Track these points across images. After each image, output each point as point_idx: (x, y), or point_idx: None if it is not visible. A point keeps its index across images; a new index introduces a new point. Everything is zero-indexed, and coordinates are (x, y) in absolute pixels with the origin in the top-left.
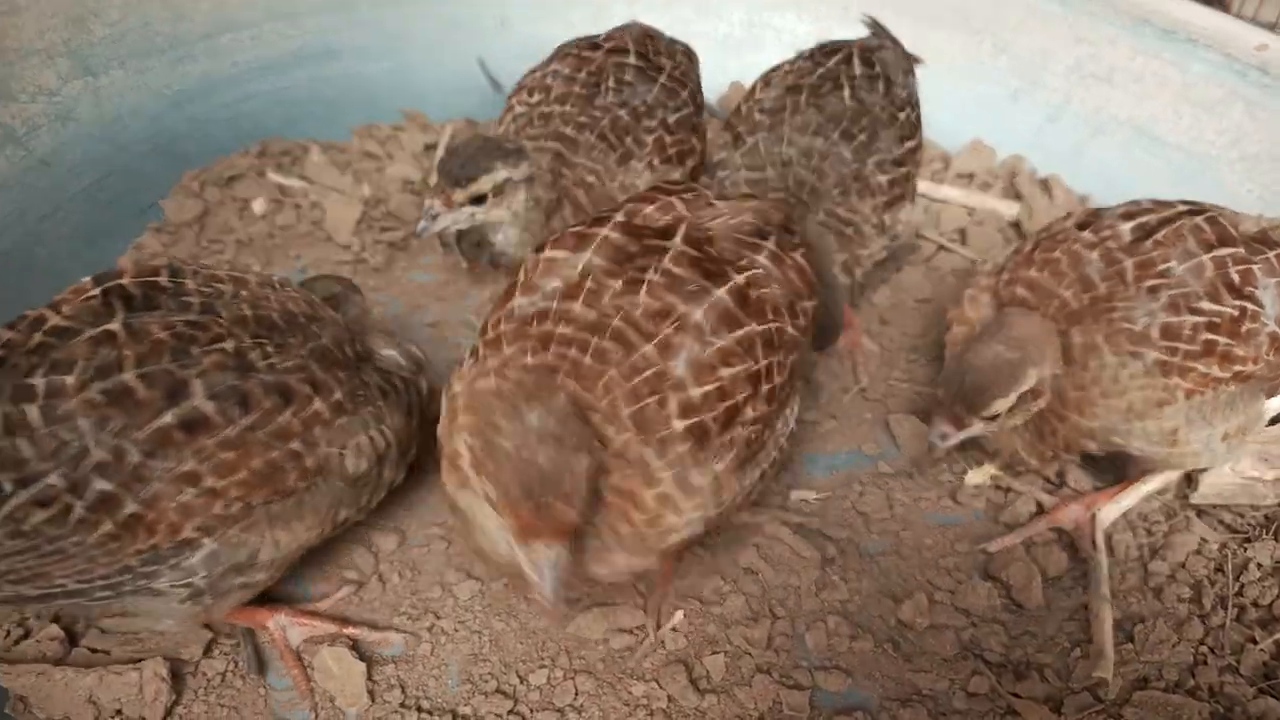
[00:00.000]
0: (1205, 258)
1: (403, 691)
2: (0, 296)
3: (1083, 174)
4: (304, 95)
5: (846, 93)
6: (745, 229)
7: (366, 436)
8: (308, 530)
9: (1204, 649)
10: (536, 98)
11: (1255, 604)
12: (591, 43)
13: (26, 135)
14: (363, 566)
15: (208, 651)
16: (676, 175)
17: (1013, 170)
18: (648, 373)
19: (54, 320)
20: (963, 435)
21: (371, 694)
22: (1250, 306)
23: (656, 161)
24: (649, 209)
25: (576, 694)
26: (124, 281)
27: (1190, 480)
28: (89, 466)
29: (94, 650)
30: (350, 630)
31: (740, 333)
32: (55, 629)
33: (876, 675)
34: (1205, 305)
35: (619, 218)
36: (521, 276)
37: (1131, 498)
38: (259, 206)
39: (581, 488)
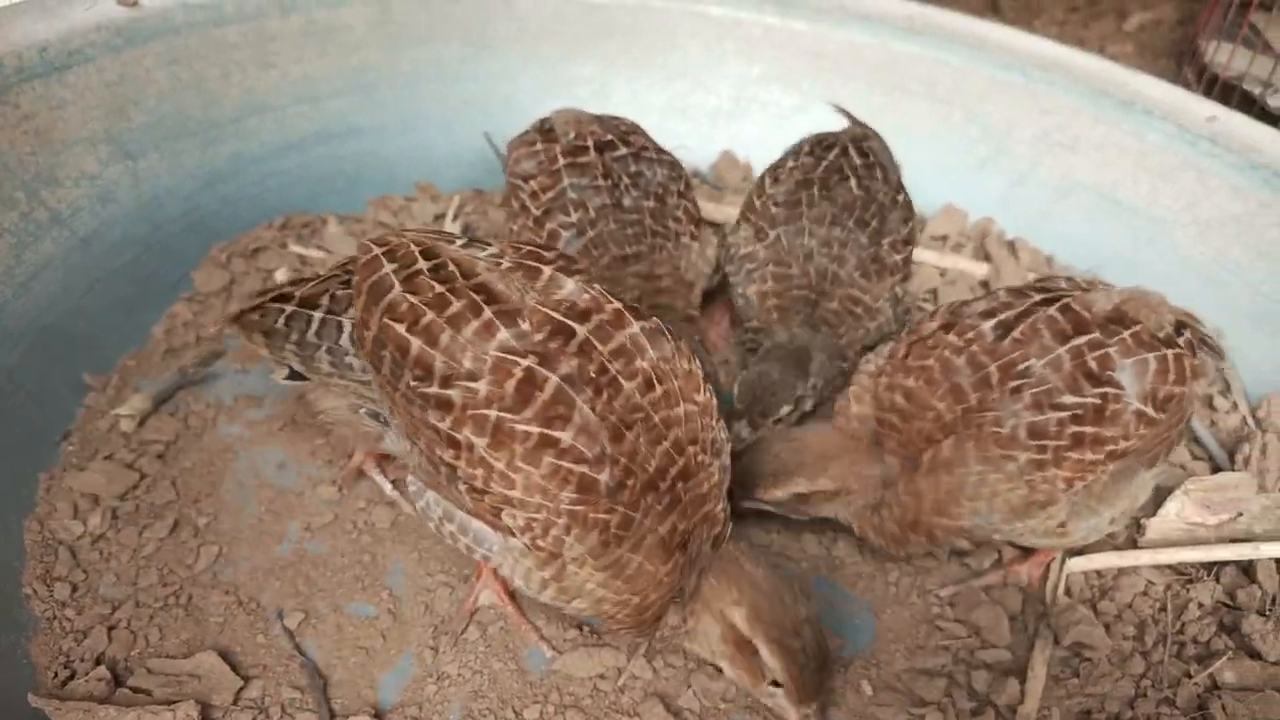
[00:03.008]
0: (1062, 350)
1: None
2: (45, 367)
3: (1048, 236)
4: (326, 171)
5: (853, 183)
6: None
7: None
8: None
9: (1145, 683)
10: (576, 216)
11: (1194, 640)
12: (575, 146)
13: (70, 217)
14: (380, 603)
15: (236, 699)
16: (707, 233)
17: (983, 232)
18: None
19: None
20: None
21: None
22: (1111, 390)
23: (694, 229)
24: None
25: None
26: None
27: (1139, 526)
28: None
29: (136, 690)
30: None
31: None
32: (102, 670)
33: (844, 708)
34: (1067, 399)
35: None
36: None
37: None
38: (281, 275)
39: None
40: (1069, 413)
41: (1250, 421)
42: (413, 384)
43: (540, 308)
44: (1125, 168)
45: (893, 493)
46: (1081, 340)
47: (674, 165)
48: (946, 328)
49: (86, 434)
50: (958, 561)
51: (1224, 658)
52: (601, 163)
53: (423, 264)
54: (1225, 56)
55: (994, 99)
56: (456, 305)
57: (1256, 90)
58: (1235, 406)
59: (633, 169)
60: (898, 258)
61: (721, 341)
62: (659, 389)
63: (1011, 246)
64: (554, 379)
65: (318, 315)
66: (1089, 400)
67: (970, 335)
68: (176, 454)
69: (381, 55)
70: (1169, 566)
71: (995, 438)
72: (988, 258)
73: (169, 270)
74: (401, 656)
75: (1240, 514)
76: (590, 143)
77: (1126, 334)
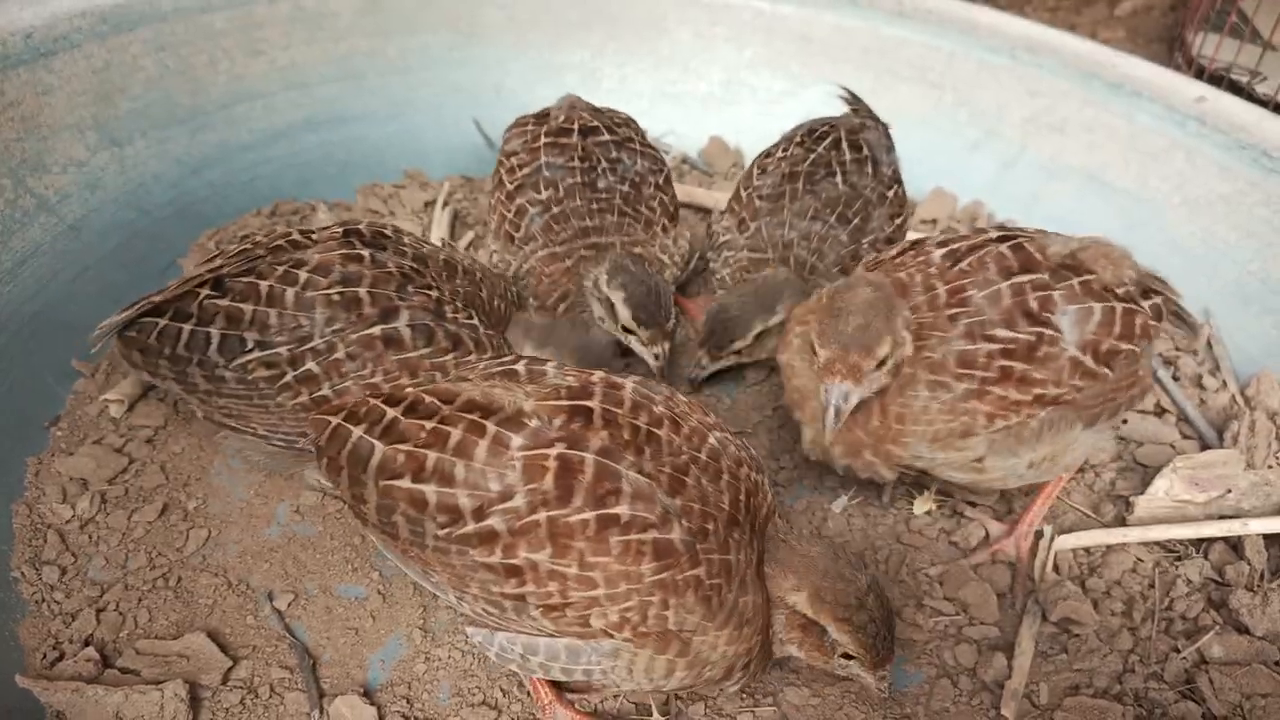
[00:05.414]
0: (1004, 285)
1: (408, 704)
2: (34, 353)
3: (1038, 218)
4: (316, 158)
5: (839, 178)
6: None
7: None
8: None
9: (1133, 658)
10: (546, 194)
11: (1182, 617)
12: (561, 127)
13: (58, 203)
14: (369, 585)
15: (225, 679)
16: (682, 229)
17: (973, 215)
18: None
19: (299, 238)
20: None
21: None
22: (1047, 332)
23: (666, 222)
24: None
25: None
26: (360, 227)
27: (1128, 504)
28: (307, 348)
29: (125, 671)
30: None
31: None
32: (90, 651)
33: (836, 686)
34: (1000, 332)
35: None
36: None
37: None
38: None
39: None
40: (1000, 345)
41: (1239, 400)
42: (441, 533)
43: (542, 402)
44: (1114, 149)
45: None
46: (1025, 278)
47: (657, 160)
48: (900, 254)
49: (75, 419)
50: (946, 540)
51: (1211, 633)
52: (582, 145)
53: (393, 411)
54: (1212, 48)
55: (983, 82)
56: (457, 433)
57: (1244, 79)
58: (1224, 385)
59: (613, 154)
60: None
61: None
62: (685, 427)
63: (1001, 229)
64: (590, 457)
65: (187, 328)
66: (1022, 336)
67: (923, 258)
68: (165, 439)
69: (369, 43)
70: (1158, 543)
71: (928, 363)
72: None
73: (157, 256)
74: (391, 637)
75: (1229, 491)
76: (575, 126)
77: (1075, 281)
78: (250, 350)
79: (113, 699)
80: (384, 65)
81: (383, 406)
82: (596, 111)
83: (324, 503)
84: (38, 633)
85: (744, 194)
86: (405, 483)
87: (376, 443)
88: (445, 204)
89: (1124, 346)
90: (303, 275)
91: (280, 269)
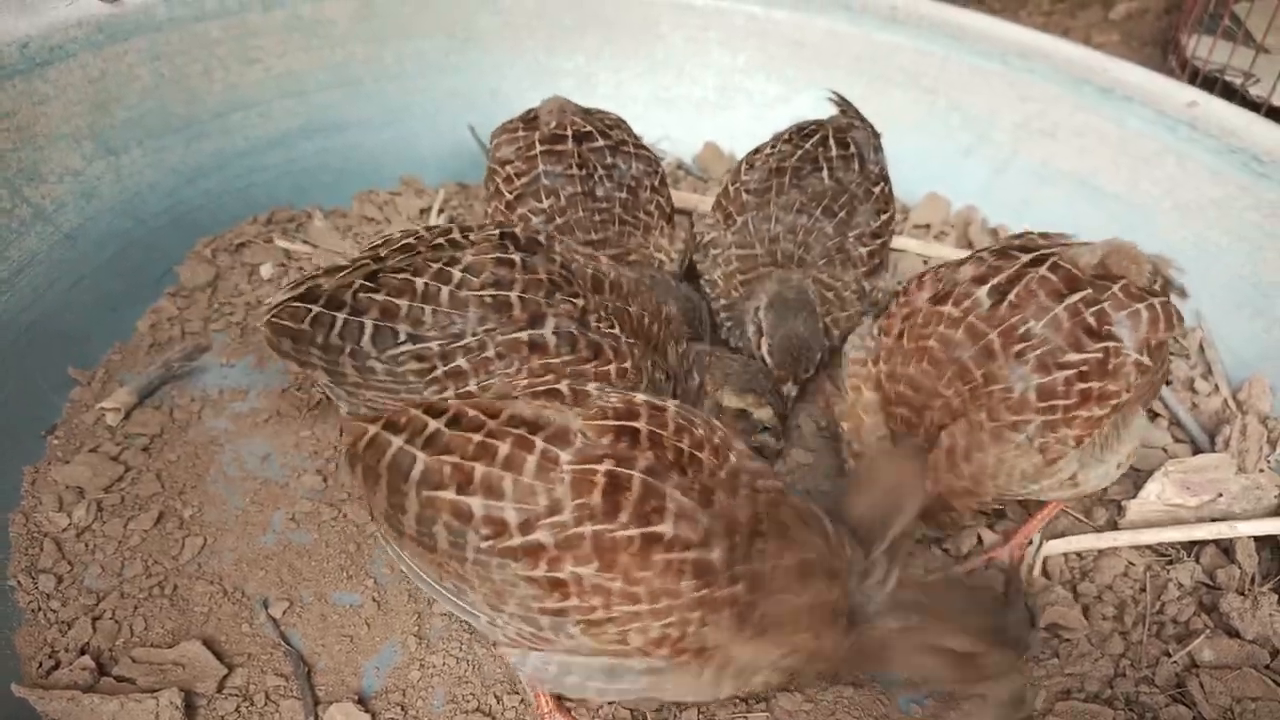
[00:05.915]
0: (1059, 309)
1: (403, 710)
2: (30, 361)
3: (1030, 223)
4: (312, 165)
5: (825, 173)
6: None
7: None
8: None
9: (1124, 662)
10: (548, 202)
11: (1174, 621)
12: (555, 134)
13: (55, 212)
14: (364, 592)
15: (220, 687)
16: (678, 229)
17: (966, 220)
18: None
19: (459, 238)
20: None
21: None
22: (1111, 344)
23: (664, 224)
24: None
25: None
26: (515, 230)
27: (1119, 508)
28: (459, 344)
29: (121, 679)
30: None
31: None
32: (86, 659)
33: (830, 691)
34: (1071, 357)
35: None
36: None
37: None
38: (267, 270)
39: None
40: (1074, 370)
41: (1231, 404)
42: (484, 545)
43: (590, 421)
44: (1105, 154)
45: None
46: (1076, 297)
47: (651, 161)
48: (939, 299)
49: (72, 427)
50: (937, 546)
51: (1202, 636)
52: (578, 152)
53: (435, 422)
54: (1206, 50)
55: (975, 87)
56: (505, 447)
57: (1238, 81)
58: (1216, 389)
59: (608, 160)
60: (863, 250)
61: None
62: (713, 449)
63: (994, 234)
64: (637, 475)
65: (341, 316)
66: (1092, 355)
67: (966, 304)
68: (161, 447)
69: (365, 49)
70: (1149, 547)
71: (1006, 404)
72: (970, 246)
73: (153, 265)
74: (386, 644)
75: (1220, 495)
76: (569, 132)
77: (1116, 288)
78: (403, 343)
79: (108, 707)
80: (380, 71)
81: (424, 417)
82: (586, 114)
83: (319, 510)
84: (34, 641)
85: (731, 190)
86: (450, 494)
87: (420, 453)
88: (441, 210)
89: (1165, 337)
90: (457, 274)
91: (435, 266)
